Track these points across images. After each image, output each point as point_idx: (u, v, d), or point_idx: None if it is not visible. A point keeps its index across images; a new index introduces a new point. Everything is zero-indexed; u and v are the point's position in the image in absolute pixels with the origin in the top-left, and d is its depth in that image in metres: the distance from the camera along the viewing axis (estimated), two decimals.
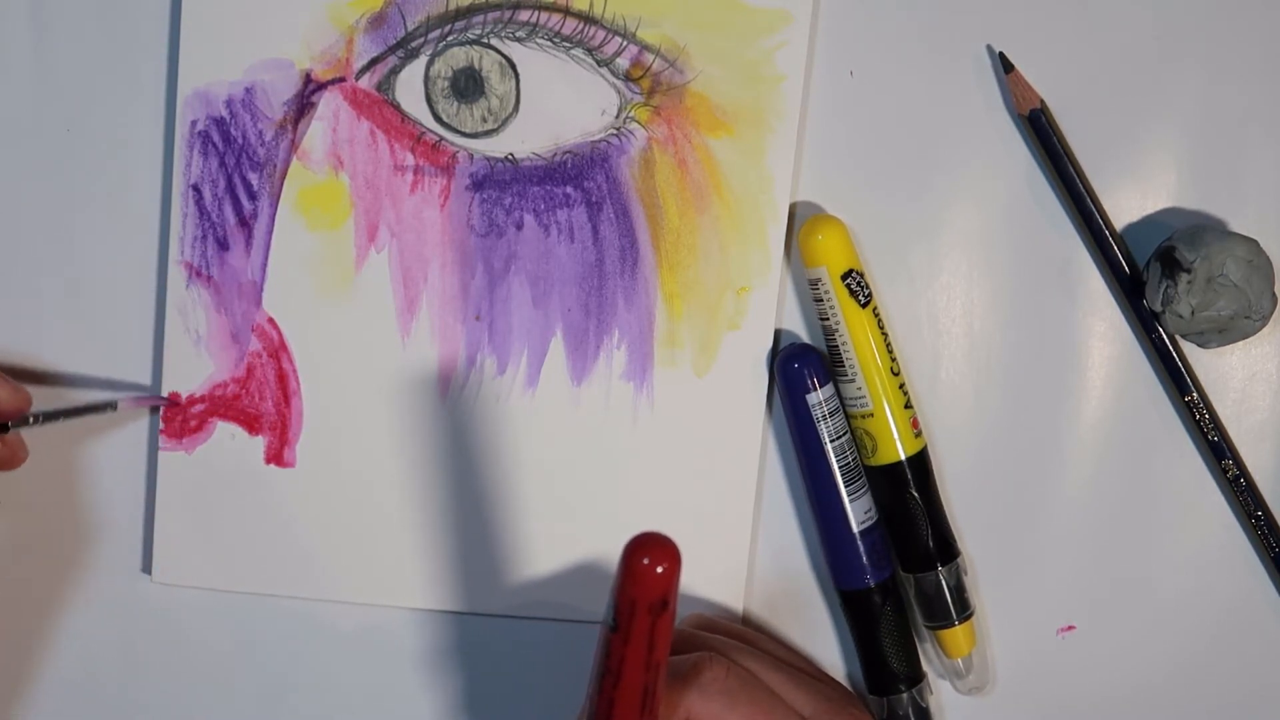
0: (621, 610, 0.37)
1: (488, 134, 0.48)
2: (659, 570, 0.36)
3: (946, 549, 0.49)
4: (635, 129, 0.48)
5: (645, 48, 0.48)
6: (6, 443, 0.47)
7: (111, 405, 0.48)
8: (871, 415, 0.48)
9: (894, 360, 0.48)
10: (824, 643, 0.51)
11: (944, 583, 0.48)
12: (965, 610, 0.49)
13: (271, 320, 0.49)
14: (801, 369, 0.48)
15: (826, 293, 0.47)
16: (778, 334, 0.49)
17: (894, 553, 0.49)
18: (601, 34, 0.47)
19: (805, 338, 0.50)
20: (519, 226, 0.49)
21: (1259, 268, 0.46)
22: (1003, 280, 0.49)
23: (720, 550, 0.50)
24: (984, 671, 0.50)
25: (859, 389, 0.48)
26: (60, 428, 0.49)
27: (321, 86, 0.48)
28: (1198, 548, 0.50)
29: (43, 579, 0.51)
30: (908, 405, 0.48)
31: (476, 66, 0.48)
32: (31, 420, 0.46)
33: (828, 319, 0.48)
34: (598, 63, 0.48)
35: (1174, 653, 0.51)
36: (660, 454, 0.49)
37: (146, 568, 0.51)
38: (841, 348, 0.48)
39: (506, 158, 0.48)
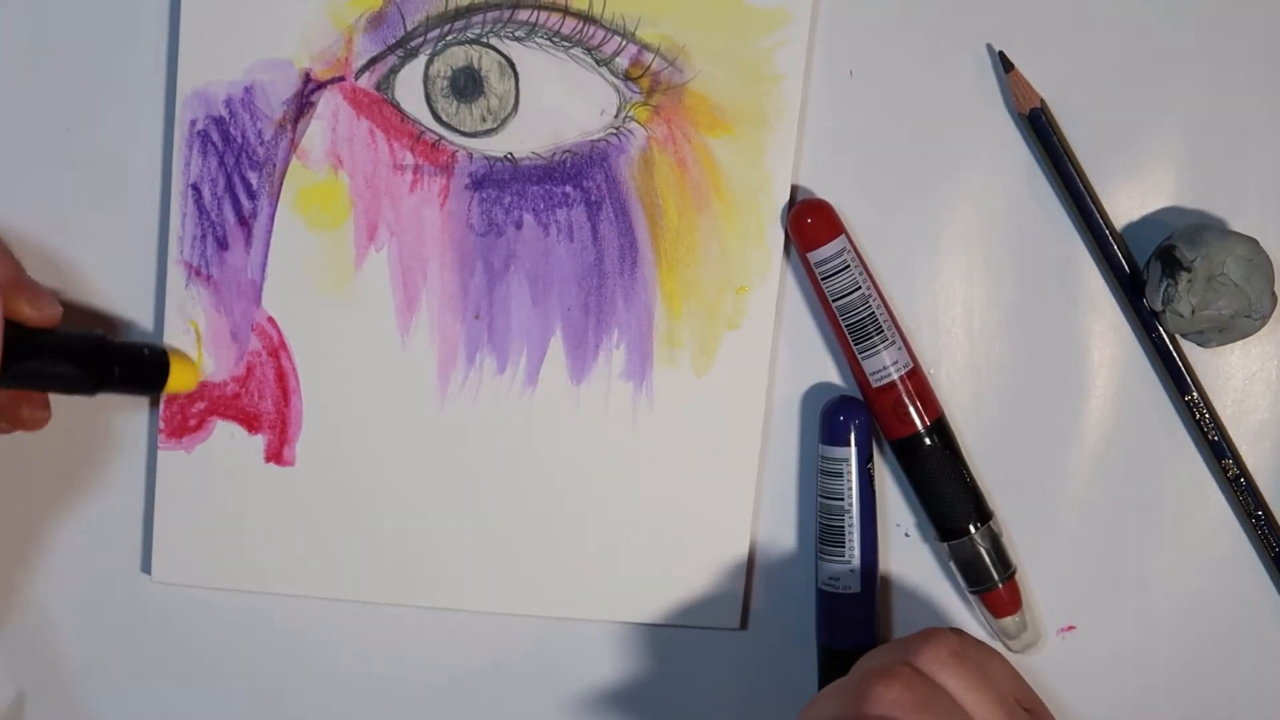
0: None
1: (487, 133, 0.48)
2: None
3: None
4: (634, 128, 0.48)
5: (644, 47, 0.48)
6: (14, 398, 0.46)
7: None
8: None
9: None
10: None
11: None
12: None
13: (271, 319, 0.49)
14: (847, 423, 0.48)
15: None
16: (776, 333, 0.49)
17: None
18: (601, 33, 0.47)
19: (806, 334, 0.50)
20: (518, 226, 0.49)
21: (1259, 266, 0.46)
22: (1003, 279, 0.49)
23: (720, 549, 0.50)
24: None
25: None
26: (62, 424, 0.49)
27: (321, 86, 0.48)
28: (1198, 547, 0.50)
29: (43, 578, 0.51)
30: None
31: (476, 66, 0.48)
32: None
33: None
34: (597, 62, 0.48)
35: (1174, 652, 0.51)
36: (660, 453, 0.49)
37: (146, 567, 0.51)
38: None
39: (506, 157, 0.48)
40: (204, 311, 0.49)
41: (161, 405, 0.50)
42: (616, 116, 0.48)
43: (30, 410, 0.47)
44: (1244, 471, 0.49)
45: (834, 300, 0.48)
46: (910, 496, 0.50)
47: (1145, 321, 0.49)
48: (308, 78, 0.48)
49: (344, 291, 0.49)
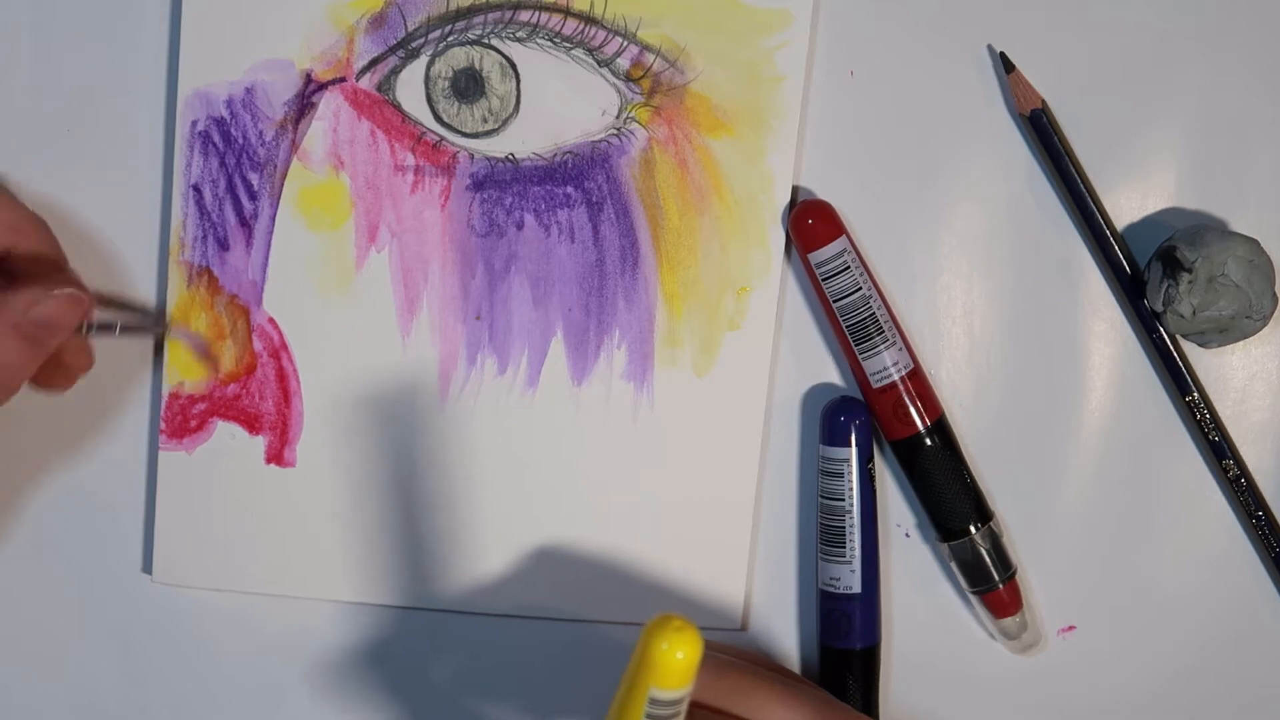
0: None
1: (488, 134, 0.48)
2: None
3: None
4: (635, 129, 0.48)
5: (645, 48, 0.48)
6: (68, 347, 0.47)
7: (164, 328, 0.49)
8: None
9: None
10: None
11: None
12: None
13: (272, 320, 0.49)
14: (848, 423, 0.48)
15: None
16: (777, 333, 0.50)
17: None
18: (602, 34, 0.47)
19: (807, 335, 0.50)
20: (519, 226, 0.49)
21: (1260, 267, 0.46)
22: (1003, 280, 0.49)
23: (720, 549, 0.50)
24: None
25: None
26: (63, 425, 0.49)
27: (322, 87, 0.48)
28: (1198, 548, 0.50)
29: (43, 579, 0.51)
30: None
31: (477, 67, 0.48)
32: (84, 329, 0.46)
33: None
34: (598, 63, 0.48)
35: (1174, 653, 0.51)
36: (660, 454, 0.49)
37: (147, 568, 0.51)
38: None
39: (507, 158, 0.48)
40: (205, 312, 0.49)
41: (163, 405, 0.50)
42: (618, 117, 0.48)
43: (72, 355, 0.47)
44: (1244, 472, 0.49)
45: (835, 301, 0.48)
46: (910, 497, 0.50)
47: (1146, 322, 0.49)
48: (309, 78, 0.48)
49: (345, 292, 0.49)
